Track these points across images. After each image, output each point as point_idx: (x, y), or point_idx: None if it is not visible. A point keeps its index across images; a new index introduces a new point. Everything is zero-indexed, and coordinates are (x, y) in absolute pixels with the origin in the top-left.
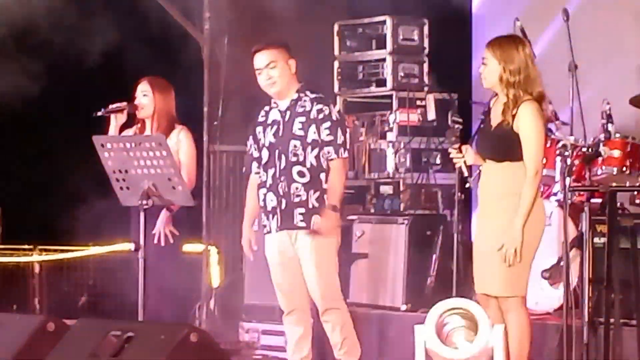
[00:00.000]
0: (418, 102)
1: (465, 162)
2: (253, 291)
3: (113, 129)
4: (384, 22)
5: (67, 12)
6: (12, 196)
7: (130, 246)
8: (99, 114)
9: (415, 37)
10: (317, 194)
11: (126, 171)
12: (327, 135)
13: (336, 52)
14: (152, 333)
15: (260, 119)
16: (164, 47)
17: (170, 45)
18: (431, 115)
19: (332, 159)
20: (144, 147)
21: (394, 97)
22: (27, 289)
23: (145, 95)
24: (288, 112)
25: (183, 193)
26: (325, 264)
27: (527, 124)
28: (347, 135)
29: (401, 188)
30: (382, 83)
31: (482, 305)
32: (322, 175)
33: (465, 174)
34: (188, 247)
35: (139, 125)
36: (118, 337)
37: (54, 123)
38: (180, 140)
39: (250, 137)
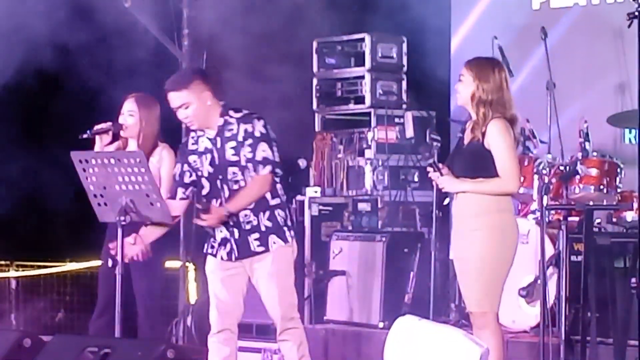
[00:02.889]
0: (396, 120)
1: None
2: None
3: (99, 149)
4: (363, 39)
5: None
6: None
7: (108, 262)
8: (85, 136)
9: (394, 55)
10: (267, 213)
11: (104, 187)
12: (249, 152)
13: (315, 69)
14: (128, 349)
15: (192, 147)
16: (143, 63)
17: (148, 61)
18: (409, 132)
19: (251, 176)
20: (123, 163)
21: (372, 114)
22: (3, 305)
23: (131, 115)
24: (218, 139)
25: (161, 210)
26: (286, 283)
27: (496, 140)
28: (271, 151)
29: (379, 205)
30: (360, 100)
31: (472, 323)
32: (267, 194)
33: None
34: (166, 264)
35: (120, 142)
36: (95, 354)
37: (37, 139)
38: (163, 158)
39: (184, 164)
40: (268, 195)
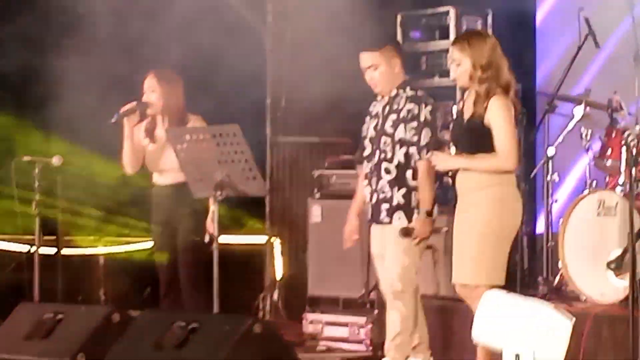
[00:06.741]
0: None
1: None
2: (317, 283)
3: (127, 131)
4: (447, 12)
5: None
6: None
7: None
8: (113, 120)
9: (479, 27)
10: (403, 190)
11: (199, 163)
12: (413, 135)
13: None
14: (216, 324)
15: (371, 108)
16: (227, 39)
17: (232, 37)
18: None
19: (417, 160)
20: (218, 137)
21: (457, 88)
22: (92, 281)
23: (153, 91)
24: (387, 108)
25: (257, 183)
26: (400, 259)
27: (496, 118)
28: (433, 137)
29: None
30: (445, 74)
31: (462, 296)
32: (409, 173)
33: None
34: (252, 239)
35: (149, 120)
36: (182, 328)
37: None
38: None
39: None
40: (409, 175)
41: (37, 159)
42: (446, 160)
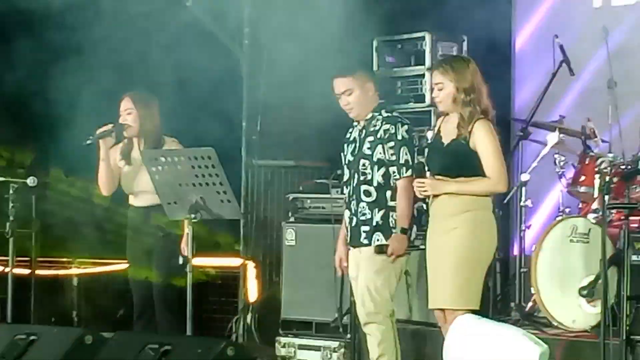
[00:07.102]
0: None
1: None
2: (290, 306)
3: (103, 152)
4: (423, 38)
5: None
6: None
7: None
8: (89, 142)
9: (454, 53)
10: (382, 211)
11: (174, 185)
12: (392, 155)
13: (375, 67)
14: (189, 347)
15: (347, 135)
16: (203, 63)
17: (209, 61)
18: None
19: (397, 179)
20: (193, 160)
21: (432, 113)
22: (65, 302)
23: (129, 113)
24: (364, 131)
25: (232, 206)
26: (378, 280)
27: (484, 142)
28: (413, 155)
29: None
30: (420, 99)
31: (440, 321)
32: (388, 194)
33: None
34: (227, 262)
35: (125, 141)
36: (155, 351)
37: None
38: None
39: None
40: (388, 196)
41: (12, 179)
42: (436, 185)
